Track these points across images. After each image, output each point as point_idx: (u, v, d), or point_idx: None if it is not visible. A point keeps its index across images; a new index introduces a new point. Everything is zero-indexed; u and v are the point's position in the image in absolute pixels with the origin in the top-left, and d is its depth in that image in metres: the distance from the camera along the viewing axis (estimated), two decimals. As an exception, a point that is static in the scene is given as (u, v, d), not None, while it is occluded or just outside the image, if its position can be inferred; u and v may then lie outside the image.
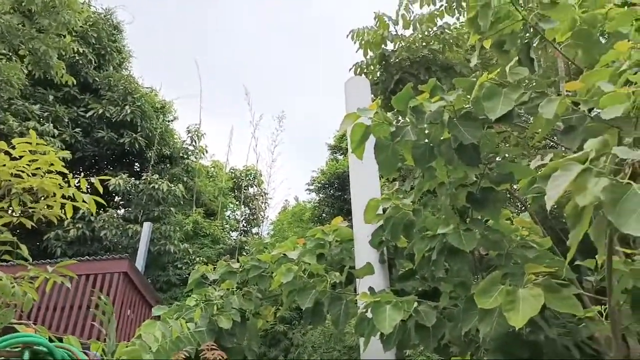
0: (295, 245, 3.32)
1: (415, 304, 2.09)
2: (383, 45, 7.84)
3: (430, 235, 2.37)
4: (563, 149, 2.64)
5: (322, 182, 16.59)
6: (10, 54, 12.79)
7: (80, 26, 13.27)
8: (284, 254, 3.15)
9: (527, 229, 2.68)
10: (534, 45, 2.65)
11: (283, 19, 35.05)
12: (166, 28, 33.34)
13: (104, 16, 16.86)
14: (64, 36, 12.45)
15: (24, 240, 2.93)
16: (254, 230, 19.98)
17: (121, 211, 14.80)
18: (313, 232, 3.36)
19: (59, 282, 2.44)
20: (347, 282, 2.94)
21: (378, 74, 8.14)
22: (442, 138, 2.28)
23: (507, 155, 2.75)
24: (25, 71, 12.97)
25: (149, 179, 13.95)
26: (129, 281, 7.95)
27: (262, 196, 21.01)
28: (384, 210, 2.91)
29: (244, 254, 15.05)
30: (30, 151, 2.83)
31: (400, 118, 2.59)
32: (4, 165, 2.78)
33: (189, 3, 35.10)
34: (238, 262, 3.45)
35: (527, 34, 2.67)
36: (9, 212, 2.93)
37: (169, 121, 17.78)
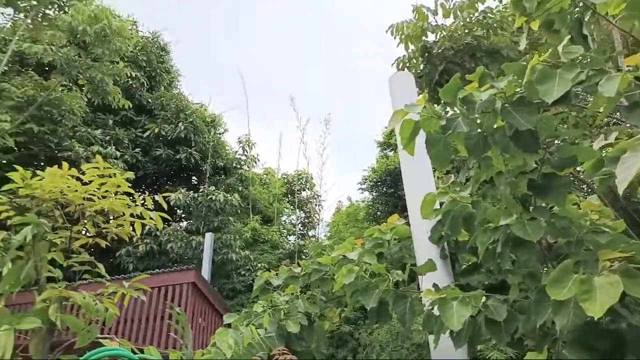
0: (354, 245, 3.34)
1: (484, 299, 2.04)
2: (424, 37, 7.70)
3: (492, 227, 2.31)
4: (628, 125, 2.49)
5: (374, 180, 16.50)
6: (71, 84, 13.71)
7: (131, 51, 13.99)
8: (344, 256, 3.17)
9: (597, 212, 2.55)
10: (586, 20, 2.52)
11: (306, 23, 35.17)
12: (193, 40, 34.41)
13: (152, 39, 17.67)
14: (117, 62, 13.19)
15: (99, 258, 3.13)
16: (311, 233, 20.18)
17: (183, 224, 15.42)
18: (370, 232, 3.36)
19: (135, 297, 2.60)
20: (410, 279, 2.91)
21: (421, 66, 8.00)
22: (495, 126, 2.22)
23: (566, 137, 2.63)
24: (85, 99, 13.85)
25: (206, 191, 14.45)
26: (197, 291, 8.27)
27: (316, 199, 21.19)
28: (441, 205, 2.87)
29: (303, 257, 15.24)
30: (98, 175, 3.03)
31: (448, 109, 2.55)
32: (76, 190, 2.99)
33: (212, 15, 36.05)
34: (299, 266, 3.52)
35: (577, 9, 2.54)
36: (85, 233, 3.15)
37: (219, 134, 18.34)
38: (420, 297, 2.55)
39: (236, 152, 18.19)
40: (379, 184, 16.47)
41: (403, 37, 7.57)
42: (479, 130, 2.23)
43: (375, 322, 2.78)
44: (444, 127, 2.20)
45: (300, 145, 24.26)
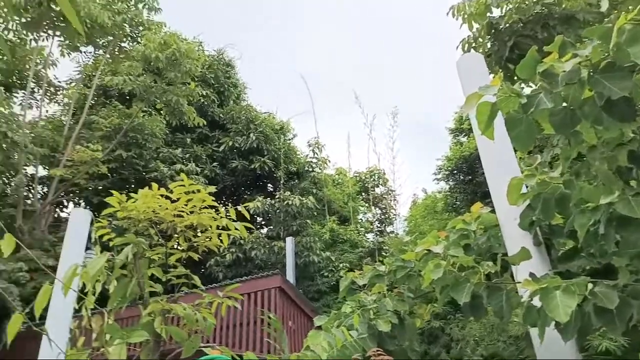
0: (437, 239, 3.24)
1: (590, 285, 1.88)
2: (488, 14, 7.33)
3: (591, 207, 2.13)
4: None
5: (449, 168, 15.98)
6: (150, 109, 14.72)
7: (200, 71, 14.72)
8: (428, 250, 3.09)
9: None
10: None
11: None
12: (254, 50, 35.19)
13: (217, 57, 18.46)
14: (189, 83, 13.94)
15: (192, 269, 3.31)
16: (389, 229, 19.96)
17: (264, 230, 15.91)
18: (454, 223, 3.24)
19: (230, 305, 2.71)
20: (502, 270, 2.77)
21: (488, 45, 7.62)
22: (583, 98, 2.05)
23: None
24: (164, 122, 14.79)
25: (282, 196, 14.81)
26: (284, 294, 8.49)
27: (390, 194, 20.93)
28: (527, 188, 2.70)
29: (384, 254, 15.11)
30: (184, 192, 3.19)
31: (523, 86, 2.38)
32: (167, 208, 3.18)
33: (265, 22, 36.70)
34: (380, 263, 3.49)
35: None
36: (177, 248, 3.34)
37: (289, 140, 18.72)
38: (516, 288, 2.42)
39: (307, 155, 18.48)
40: (455, 172, 15.94)
41: (465, 16, 7.26)
42: (565, 104, 2.07)
43: (470, 317, 2.67)
44: (525, 106, 2.07)
45: (369, 142, 24.12)
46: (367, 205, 20.22)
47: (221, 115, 17.26)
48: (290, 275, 11.69)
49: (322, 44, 35.61)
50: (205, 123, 15.34)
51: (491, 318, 8.14)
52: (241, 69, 21.00)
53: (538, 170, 2.59)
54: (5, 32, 13.58)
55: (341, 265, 14.09)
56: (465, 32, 7.53)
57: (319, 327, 2.76)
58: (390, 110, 20.77)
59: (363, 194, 20.51)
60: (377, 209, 20.46)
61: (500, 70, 7.15)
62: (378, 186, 21.06)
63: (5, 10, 12.69)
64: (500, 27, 7.28)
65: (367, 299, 3.01)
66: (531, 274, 2.13)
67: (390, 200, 20.77)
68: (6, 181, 11.90)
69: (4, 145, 10.54)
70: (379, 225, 19.98)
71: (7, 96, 13.47)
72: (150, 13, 15.14)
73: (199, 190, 3.07)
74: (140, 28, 14.94)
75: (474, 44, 7.67)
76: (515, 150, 3.50)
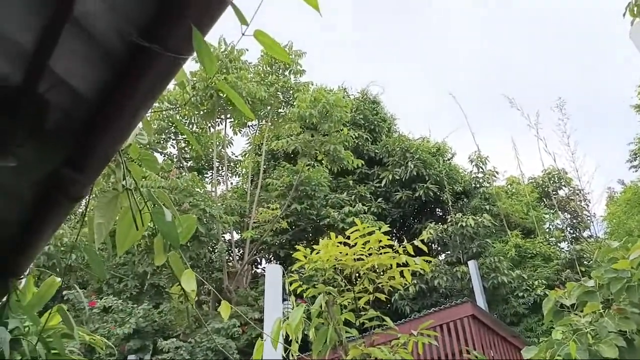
0: (656, 240, 2.74)
1: None
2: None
3: None
4: None
5: (648, 151, 13.55)
6: (313, 162, 15.85)
7: (349, 115, 15.46)
8: (646, 255, 2.63)
9: None
10: None
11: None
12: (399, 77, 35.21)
13: (362, 98, 19.18)
14: (341, 130, 14.72)
15: (378, 307, 3.37)
16: (585, 233, 17.53)
17: (442, 257, 15.40)
18: (673, 219, 2.71)
19: (426, 343, 2.66)
20: None
21: (665, -2, 6.43)
22: None
23: None
24: (327, 170, 15.74)
25: (454, 219, 14.25)
26: (478, 322, 7.98)
27: (578, 194, 18.51)
28: None
29: (584, 262, 13.29)
30: (360, 236, 3.32)
31: None
32: (347, 254, 3.33)
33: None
34: (586, 277, 3.07)
35: None
36: (365, 291, 3.45)
37: (448, 160, 18.14)
38: None
39: (471, 172, 17.61)
40: (657, 153, 13.44)
41: (626, -22, 6.29)
42: None
43: None
44: None
45: (538, 142, 21.93)
46: (552, 211, 18.16)
47: (376, 151, 17.67)
48: (480, 301, 10.99)
49: (462, 55, 34.40)
50: (363, 163, 15.86)
51: None
52: (386, 102, 21.37)
53: None
54: (190, 126, 16.28)
55: (536, 282, 12.76)
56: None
57: None
58: (555, 103, 18.75)
59: (544, 200, 18.54)
60: (566, 213, 18.22)
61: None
62: (561, 188, 18.86)
63: (187, 108, 15.28)
64: (677, -27, 6.11)
65: (580, 322, 2.65)
66: None
67: (580, 200, 18.37)
68: (211, 250, 13.88)
69: (205, 220, 12.38)
70: (571, 231, 17.70)
71: (200, 178, 15.93)
72: (296, 76, 16.63)
73: (373, 232, 3.16)
74: (291, 92, 16.46)
75: (645, 4, 6.56)
76: None
